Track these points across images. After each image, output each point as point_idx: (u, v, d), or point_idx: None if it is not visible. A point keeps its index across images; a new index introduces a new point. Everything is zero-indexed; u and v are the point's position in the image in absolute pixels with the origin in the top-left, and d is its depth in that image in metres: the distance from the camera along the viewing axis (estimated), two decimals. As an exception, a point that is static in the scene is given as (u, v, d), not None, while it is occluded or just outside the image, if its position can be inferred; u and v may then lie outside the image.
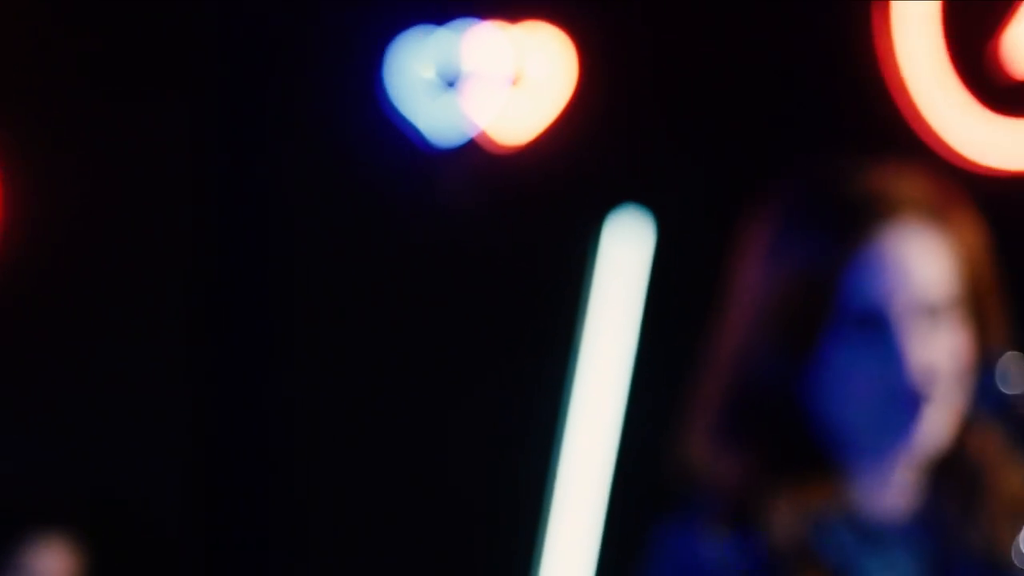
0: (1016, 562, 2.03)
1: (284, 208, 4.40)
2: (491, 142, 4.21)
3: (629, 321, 4.27)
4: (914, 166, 2.10)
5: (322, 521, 4.34)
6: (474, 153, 4.21)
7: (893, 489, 2.05)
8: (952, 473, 2.07)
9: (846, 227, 1.98)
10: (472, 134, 4.19)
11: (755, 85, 4.31)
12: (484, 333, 4.37)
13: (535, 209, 4.30)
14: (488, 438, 4.32)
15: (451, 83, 4.17)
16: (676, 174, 4.37)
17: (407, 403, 4.33)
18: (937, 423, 1.99)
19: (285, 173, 4.37)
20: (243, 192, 4.41)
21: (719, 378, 2.01)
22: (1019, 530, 2.05)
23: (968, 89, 4.15)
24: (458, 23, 4.17)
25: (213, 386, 4.42)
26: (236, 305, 4.42)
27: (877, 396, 1.97)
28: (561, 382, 4.28)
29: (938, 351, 2.00)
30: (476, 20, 4.19)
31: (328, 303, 4.40)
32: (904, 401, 1.97)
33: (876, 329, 1.98)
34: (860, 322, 1.97)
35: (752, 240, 2.04)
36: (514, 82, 4.20)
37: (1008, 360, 1.99)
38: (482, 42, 4.18)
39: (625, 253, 4.27)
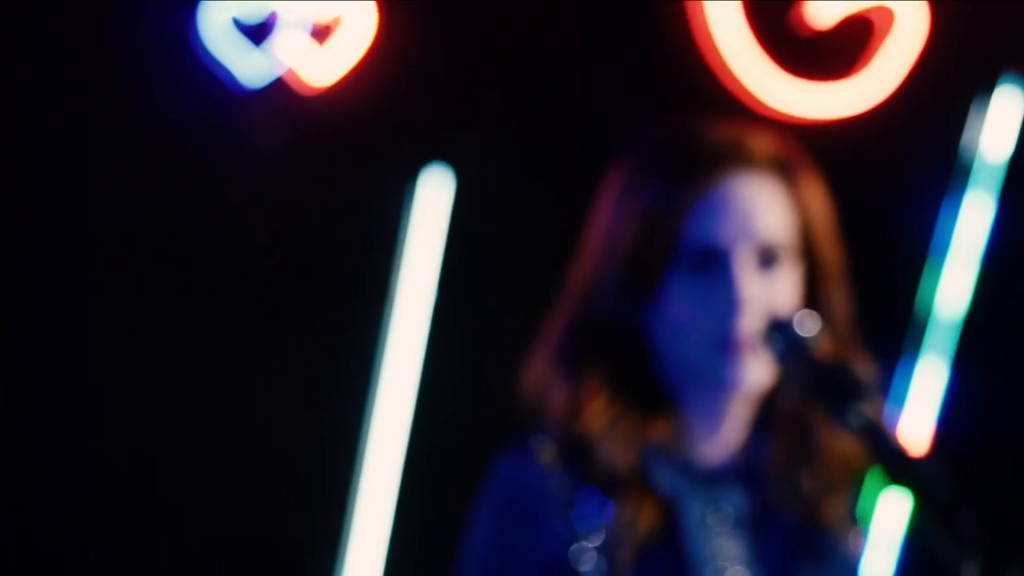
0: (839, 522, 2.08)
1: (85, 151, 4.29)
2: (298, 83, 4.17)
3: (436, 269, 4.28)
4: (737, 120, 2.16)
5: (129, 484, 4.25)
6: (281, 94, 4.16)
7: (723, 431, 2.10)
8: (783, 423, 2.11)
9: (693, 171, 2.04)
10: (279, 75, 4.15)
11: (568, 45, 4.33)
12: (291, 280, 4.31)
13: (344, 155, 4.28)
14: (297, 392, 4.27)
15: (258, 24, 4.12)
16: (484, 127, 4.38)
17: (213, 355, 4.26)
18: (764, 366, 2.03)
19: (90, 114, 4.26)
20: (42, 134, 4.28)
21: (565, 312, 2.07)
22: (845, 491, 2.09)
23: (775, 49, 4.32)
24: (266, -37, 4.13)
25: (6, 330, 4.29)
26: (29, 250, 4.30)
27: (711, 335, 2.03)
28: (372, 330, 4.26)
29: (773, 295, 2.04)
30: (284, -40, 4.15)
31: (128, 251, 4.29)
32: (735, 342, 2.02)
33: (715, 269, 2.05)
34: (700, 261, 2.04)
35: (606, 185, 2.10)
36: (320, 23, 4.16)
37: (802, 313, 2.03)
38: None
39: (433, 204, 4.28)
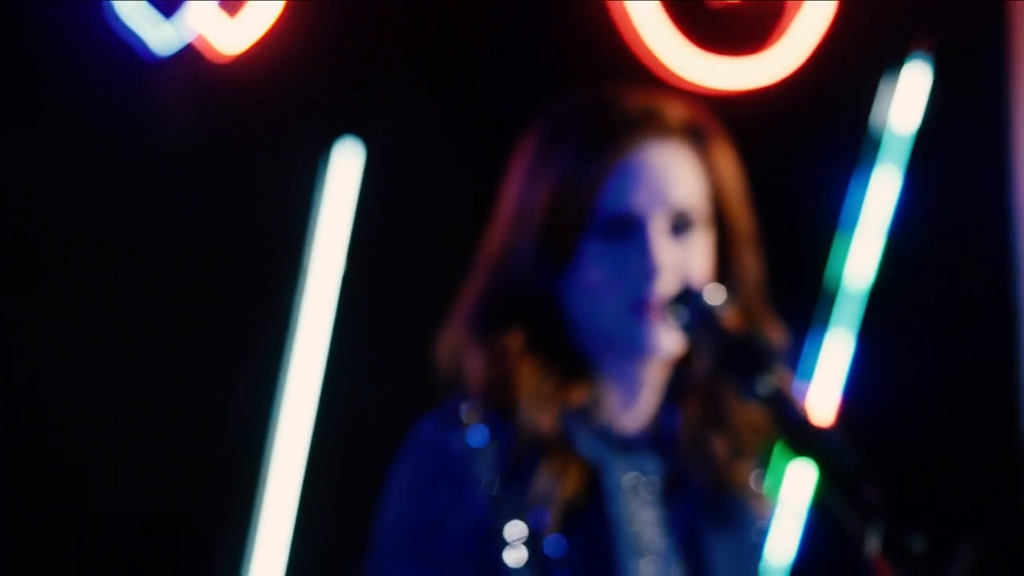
0: (748, 489, 2.10)
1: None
2: (209, 51, 4.14)
3: (346, 241, 4.29)
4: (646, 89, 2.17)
5: (40, 459, 4.20)
6: (192, 63, 4.13)
7: (639, 398, 2.11)
8: (694, 390, 2.13)
9: (607, 139, 2.05)
10: (190, 42, 4.12)
11: (479, 15, 4.33)
12: (201, 251, 4.29)
13: (255, 125, 4.26)
14: (209, 365, 4.25)
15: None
16: (395, 98, 4.38)
17: (124, 328, 4.22)
18: (676, 332, 2.04)
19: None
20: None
21: (479, 281, 2.07)
22: (754, 457, 2.12)
23: (687, 22, 4.35)
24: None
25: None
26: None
27: (626, 300, 2.04)
28: (284, 303, 4.26)
29: (686, 261, 2.06)
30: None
31: (35, 221, 4.24)
32: (650, 307, 2.03)
33: (630, 236, 2.06)
34: (615, 228, 2.05)
35: (518, 154, 2.10)
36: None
37: (711, 285, 2.04)
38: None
39: (344, 175, 4.28)
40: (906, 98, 5.13)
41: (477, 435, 1.95)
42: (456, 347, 2.03)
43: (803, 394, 1.87)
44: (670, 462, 2.04)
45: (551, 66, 4.26)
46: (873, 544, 1.64)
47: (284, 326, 4.29)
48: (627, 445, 2.02)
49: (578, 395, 1.99)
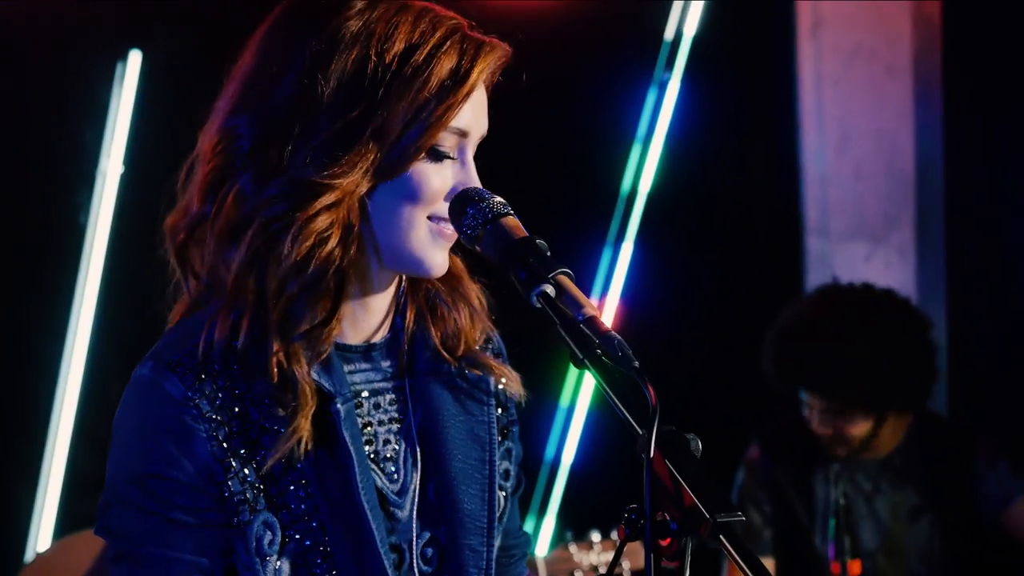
0: (479, 361, 2.12)
1: None
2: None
3: (128, 147, 4.29)
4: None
5: None
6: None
7: (387, 308, 2.12)
8: (415, 291, 2.14)
9: (459, 60, 1.99)
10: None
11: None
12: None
13: (41, 37, 4.20)
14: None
15: None
16: (173, 11, 4.38)
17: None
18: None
19: None
20: None
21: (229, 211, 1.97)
22: (479, 332, 2.13)
23: None
24: None
25: None
26: None
27: (432, 219, 2.00)
28: (72, 214, 4.25)
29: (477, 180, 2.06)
30: None
31: None
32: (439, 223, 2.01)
33: (451, 157, 2.01)
34: (439, 153, 1.99)
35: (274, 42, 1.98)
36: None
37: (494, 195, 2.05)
38: None
39: (128, 84, 4.29)
40: (690, 9, 5.23)
41: (204, 381, 1.94)
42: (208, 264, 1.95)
43: (586, 299, 1.88)
44: (401, 359, 2.05)
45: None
46: (651, 443, 1.68)
47: (74, 235, 4.28)
48: (365, 353, 2.01)
49: (314, 320, 1.94)
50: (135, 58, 4.31)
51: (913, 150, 5.39)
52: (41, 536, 4.24)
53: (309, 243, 1.97)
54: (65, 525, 4.22)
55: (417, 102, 1.99)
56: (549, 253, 1.95)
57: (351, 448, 2.02)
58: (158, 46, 4.36)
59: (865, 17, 5.42)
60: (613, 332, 1.85)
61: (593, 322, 1.88)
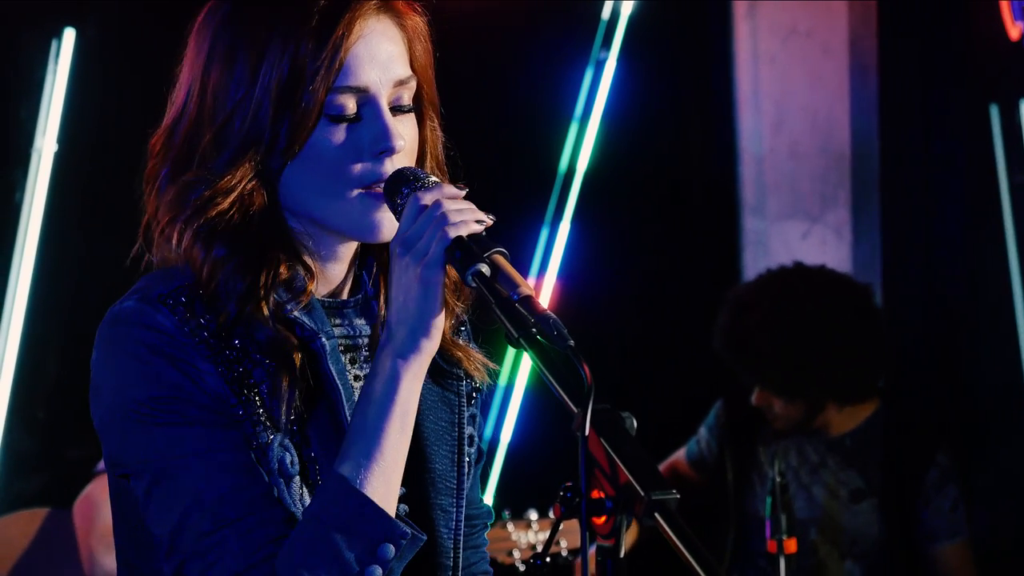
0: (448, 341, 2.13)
1: None
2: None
3: (61, 125, 4.29)
4: None
5: None
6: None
7: (346, 273, 2.13)
8: (381, 261, 2.15)
9: (331, 21, 1.99)
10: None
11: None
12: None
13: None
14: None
15: None
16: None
17: None
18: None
19: None
20: None
21: (184, 163, 1.98)
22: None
23: None
24: None
25: None
26: None
27: (359, 182, 2.00)
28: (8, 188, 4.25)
29: (408, 137, 2.06)
30: None
31: None
32: (378, 178, 2.01)
33: (364, 116, 2.01)
34: (345, 113, 1.99)
35: (210, 26, 1.99)
36: None
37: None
38: None
39: (62, 63, 4.28)
40: (623, -13, 5.23)
41: (189, 308, 1.94)
42: (169, 235, 1.96)
43: (522, 278, 1.88)
44: (375, 325, 2.06)
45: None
46: (586, 422, 1.69)
47: (10, 213, 4.27)
48: (338, 311, 2.02)
49: (288, 275, 1.95)
50: (69, 36, 4.29)
51: (849, 129, 5.41)
52: (-24, 517, 4.21)
53: (199, 231, 2.02)
54: (1, 505, 4.19)
55: (292, 74, 2.01)
56: (484, 232, 1.95)
57: (338, 383, 2.03)
58: (93, 24, 4.35)
59: (802, -5, 5.44)
60: (549, 312, 1.86)
61: (528, 301, 1.88)
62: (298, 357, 2.00)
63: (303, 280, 2.04)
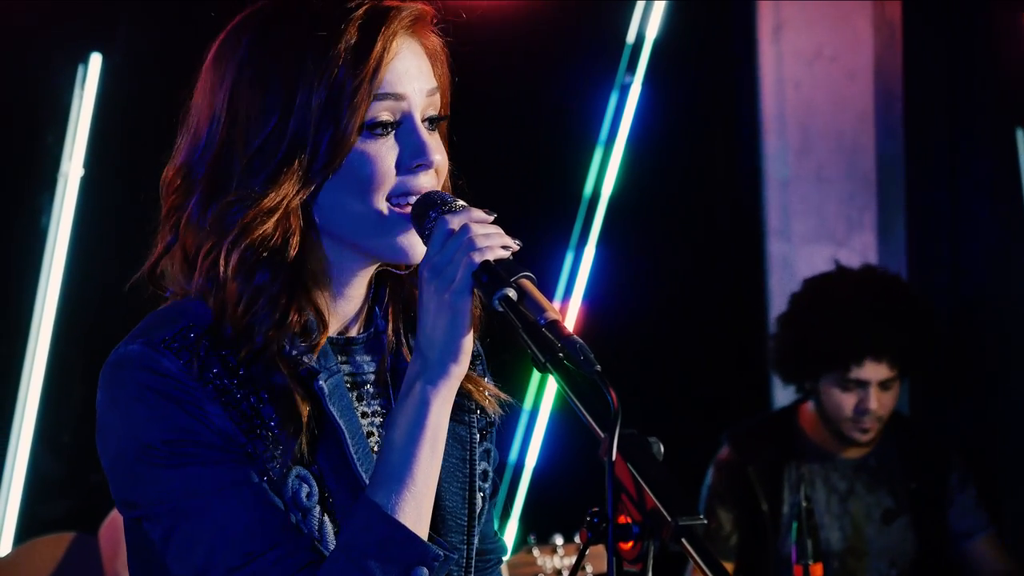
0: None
1: None
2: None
3: (89, 149, 4.30)
4: None
5: None
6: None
7: (362, 302, 2.11)
8: (395, 293, 2.14)
9: (369, 40, 1.98)
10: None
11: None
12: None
13: (3, 48, 4.20)
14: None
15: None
16: (131, 14, 4.38)
17: None
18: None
19: None
20: None
21: (216, 210, 1.96)
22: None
23: None
24: None
25: None
26: None
27: (398, 187, 1.99)
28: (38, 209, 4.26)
29: (441, 151, 2.05)
30: None
31: None
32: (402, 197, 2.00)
33: (399, 132, 2.01)
34: (381, 124, 1.98)
35: (234, 55, 1.98)
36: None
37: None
38: None
39: (89, 87, 4.28)
40: (652, 12, 5.23)
41: (194, 354, 1.91)
42: (216, 259, 1.95)
43: (548, 302, 1.87)
44: (383, 359, 2.05)
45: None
46: (613, 447, 1.68)
47: (36, 238, 4.28)
48: (346, 348, 2.02)
49: (303, 311, 1.94)
50: (96, 61, 4.31)
51: (874, 153, 5.41)
52: (2, 541, 4.22)
53: (245, 256, 1.98)
54: (26, 530, 4.20)
55: (331, 91, 1.99)
56: (512, 257, 1.94)
57: (340, 423, 2.02)
58: (119, 49, 4.36)
59: (826, 20, 5.44)
60: (575, 336, 1.85)
61: (555, 326, 1.87)
62: (305, 407, 2.00)
63: (316, 330, 2.03)
